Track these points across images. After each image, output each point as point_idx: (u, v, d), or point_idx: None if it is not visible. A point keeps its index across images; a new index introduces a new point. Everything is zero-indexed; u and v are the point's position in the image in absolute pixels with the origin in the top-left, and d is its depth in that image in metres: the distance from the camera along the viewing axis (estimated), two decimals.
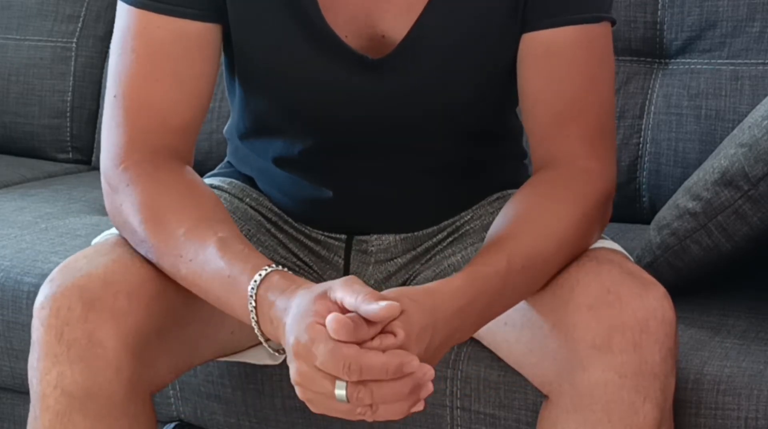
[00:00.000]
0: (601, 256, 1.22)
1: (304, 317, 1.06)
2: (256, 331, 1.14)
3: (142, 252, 1.22)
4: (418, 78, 1.29)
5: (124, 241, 1.25)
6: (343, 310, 1.06)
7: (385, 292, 1.10)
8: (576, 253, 1.23)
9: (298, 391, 1.08)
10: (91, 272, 1.20)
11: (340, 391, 1.04)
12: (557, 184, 1.25)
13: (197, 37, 1.27)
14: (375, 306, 1.05)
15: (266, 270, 1.13)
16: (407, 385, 1.05)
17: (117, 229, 1.28)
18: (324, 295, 1.08)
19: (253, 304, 1.12)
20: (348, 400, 1.04)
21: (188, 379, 1.47)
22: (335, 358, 1.03)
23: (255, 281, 1.12)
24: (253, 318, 1.13)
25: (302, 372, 1.06)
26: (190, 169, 1.29)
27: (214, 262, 1.16)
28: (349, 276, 1.10)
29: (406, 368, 1.04)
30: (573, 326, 1.16)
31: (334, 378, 1.04)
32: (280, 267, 1.14)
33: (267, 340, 1.15)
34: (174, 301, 1.22)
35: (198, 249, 1.18)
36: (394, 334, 1.06)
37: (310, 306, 1.06)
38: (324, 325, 1.05)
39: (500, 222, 1.22)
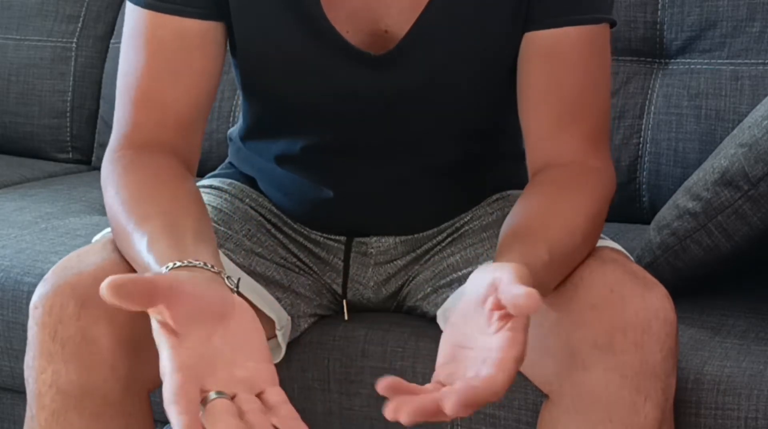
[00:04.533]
0: (604, 255, 1.22)
1: None
2: None
3: (117, 244, 1.21)
4: (421, 75, 1.29)
5: None
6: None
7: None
8: (591, 248, 1.22)
9: None
10: (83, 270, 1.19)
11: None
12: (571, 180, 1.25)
13: (198, 35, 1.28)
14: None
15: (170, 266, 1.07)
16: None
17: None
18: None
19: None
20: None
21: None
22: None
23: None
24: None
25: None
26: (176, 164, 1.26)
27: (144, 256, 1.12)
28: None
29: None
30: (575, 325, 1.16)
31: None
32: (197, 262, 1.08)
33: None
34: None
35: (137, 243, 1.14)
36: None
37: None
38: None
39: (525, 216, 1.20)
